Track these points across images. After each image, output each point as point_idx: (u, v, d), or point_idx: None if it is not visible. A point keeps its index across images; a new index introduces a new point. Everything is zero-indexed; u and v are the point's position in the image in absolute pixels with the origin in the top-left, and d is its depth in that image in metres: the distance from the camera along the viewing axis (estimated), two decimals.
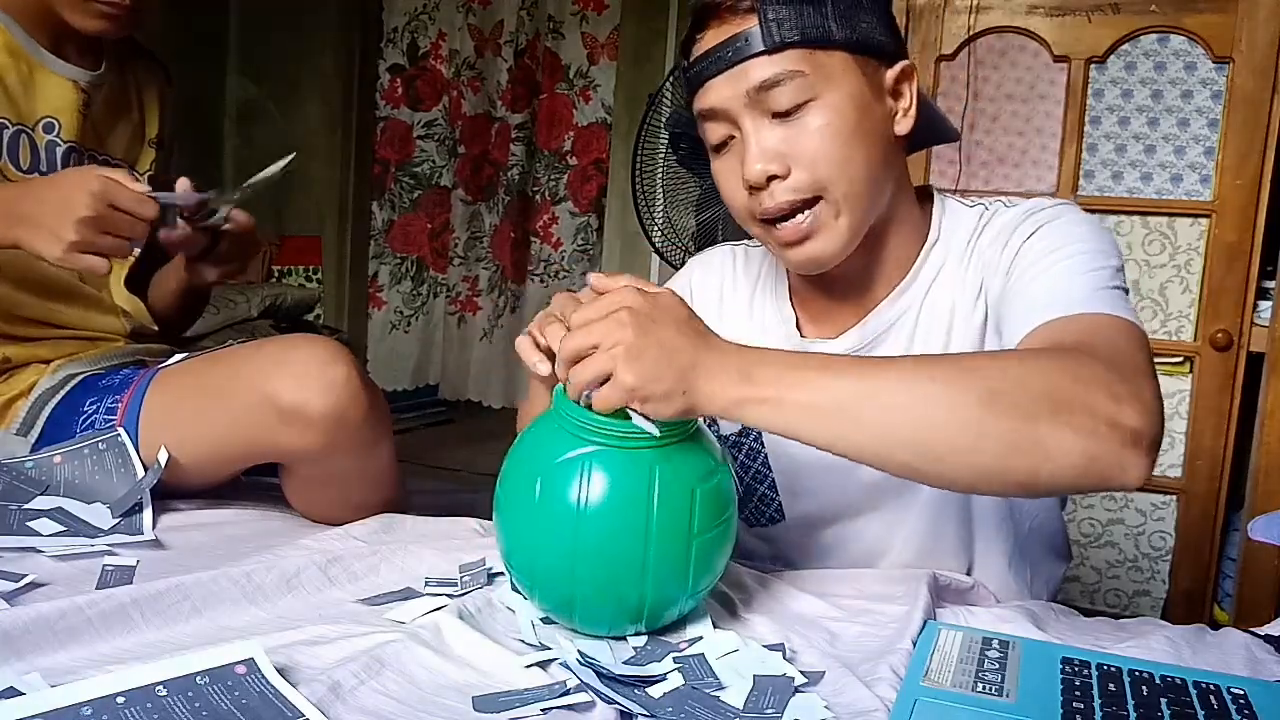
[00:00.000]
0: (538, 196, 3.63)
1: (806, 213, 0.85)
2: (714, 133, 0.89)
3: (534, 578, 0.71)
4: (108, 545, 0.86)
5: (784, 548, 1.03)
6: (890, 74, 0.88)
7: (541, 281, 3.68)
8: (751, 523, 1.02)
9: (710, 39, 0.86)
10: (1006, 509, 0.96)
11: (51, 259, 0.94)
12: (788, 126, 0.84)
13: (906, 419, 0.65)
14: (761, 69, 0.83)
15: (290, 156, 1.09)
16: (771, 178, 0.84)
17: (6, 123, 1.08)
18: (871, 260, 0.92)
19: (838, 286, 0.95)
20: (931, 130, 0.96)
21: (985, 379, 0.65)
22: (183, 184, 1.06)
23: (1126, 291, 0.81)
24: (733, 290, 1.04)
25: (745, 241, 1.07)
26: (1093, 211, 1.84)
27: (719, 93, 0.85)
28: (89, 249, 0.94)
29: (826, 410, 0.66)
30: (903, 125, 0.89)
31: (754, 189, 0.85)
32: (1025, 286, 0.82)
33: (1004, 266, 0.86)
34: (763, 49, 0.83)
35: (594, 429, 0.68)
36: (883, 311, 0.93)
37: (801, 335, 0.97)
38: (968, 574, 0.95)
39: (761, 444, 0.98)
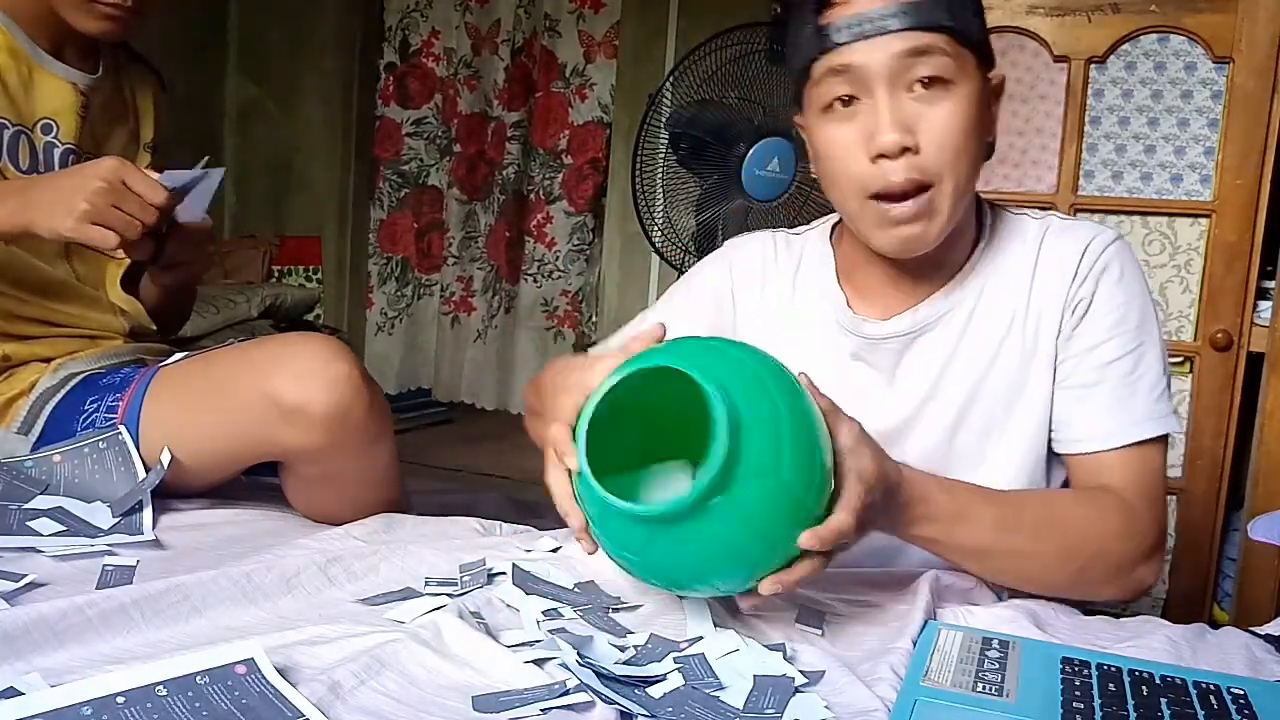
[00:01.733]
0: (532, 196, 3.61)
1: (922, 196, 0.87)
2: (833, 92, 0.88)
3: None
4: (108, 545, 0.86)
5: None
6: (993, 85, 0.92)
7: (535, 282, 3.64)
8: None
9: (863, 2, 0.86)
10: None
11: (63, 230, 0.94)
12: (922, 104, 0.86)
13: (1012, 565, 0.87)
14: (916, 39, 0.85)
15: (206, 159, 1.08)
16: (903, 150, 0.85)
17: (7, 123, 1.08)
18: (934, 253, 0.93)
19: (895, 272, 0.96)
20: None
21: (1066, 538, 0.86)
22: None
23: (1168, 374, 0.93)
24: (775, 271, 1.05)
25: (778, 229, 1.09)
26: (1093, 211, 1.85)
27: (865, 55, 0.85)
28: (99, 220, 0.94)
29: (968, 553, 0.86)
30: (991, 134, 0.92)
31: (882, 157, 0.86)
32: (1093, 388, 0.93)
33: (1069, 320, 0.93)
34: (918, 24, 0.85)
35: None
36: (935, 302, 0.96)
37: (853, 313, 0.99)
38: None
39: None
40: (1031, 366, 0.94)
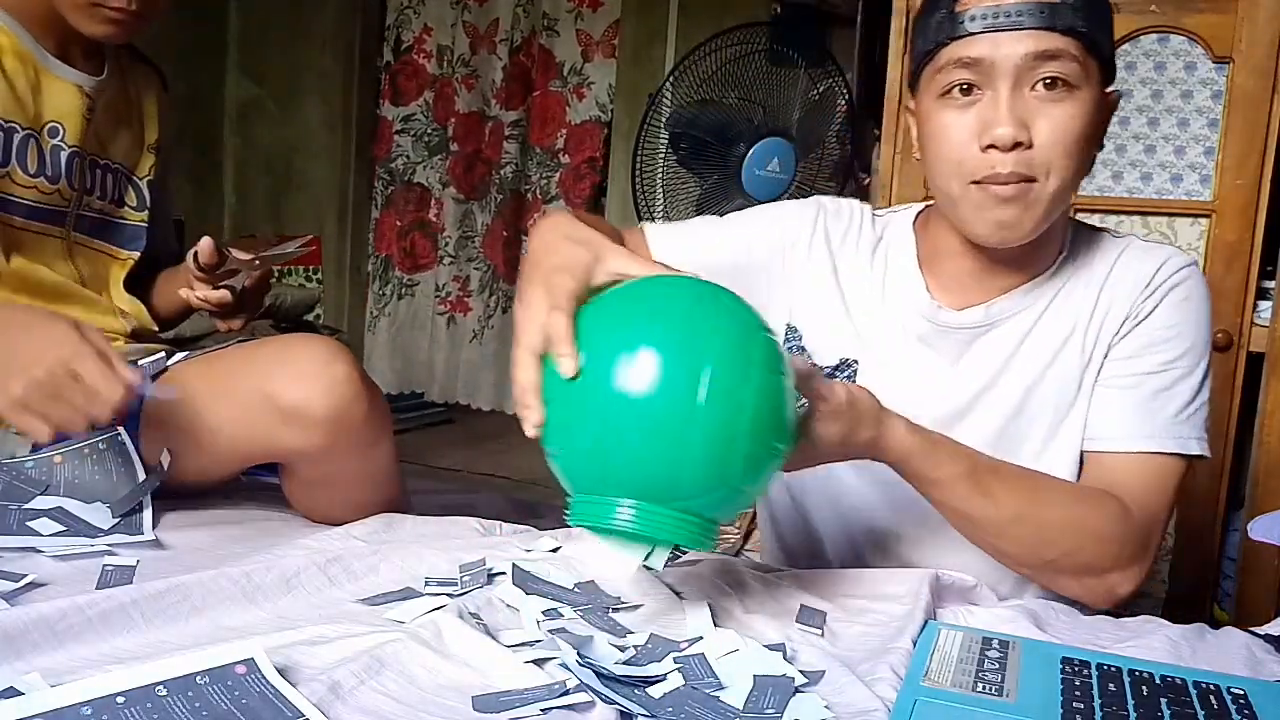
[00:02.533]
0: (529, 194, 3.59)
1: (1025, 184, 0.88)
2: (954, 79, 0.89)
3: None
4: (107, 545, 0.86)
5: (817, 509, 1.06)
6: (1110, 100, 0.92)
7: None
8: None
9: None
10: None
11: None
12: (1041, 104, 0.87)
13: (982, 535, 0.89)
14: (1046, 41, 0.86)
15: (308, 237, 1.15)
16: (1015, 144, 0.86)
17: (17, 126, 1.08)
18: (1019, 251, 0.95)
19: (979, 265, 0.97)
20: None
21: (1042, 524, 0.88)
22: (205, 243, 1.10)
23: (1205, 400, 0.94)
24: (855, 242, 1.06)
25: (870, 207, 1.10)
26: (1093, 211, 1.85)
27: (995, 48, 0.86)
28: (34, 411, 0.83)
29: (941, 504, 0.88)
30: (1099, 148, 0.93)
31: (993, 148, 0.87)
32: (1121, 395, 0.94)
33: (1121, 328, 0.95)
34: (1056, 26, 0.85)
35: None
36: (1012, 299, 0.97)
37: (931, 298, 1.00)
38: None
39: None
40: (1086, 372, 0.96)
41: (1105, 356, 0.96)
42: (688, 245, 1.06)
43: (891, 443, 0.84)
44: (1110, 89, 0.92)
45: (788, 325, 1.05)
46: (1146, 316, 0.95)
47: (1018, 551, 0.89)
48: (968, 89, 0.89)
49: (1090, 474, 0.95)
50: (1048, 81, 0.86)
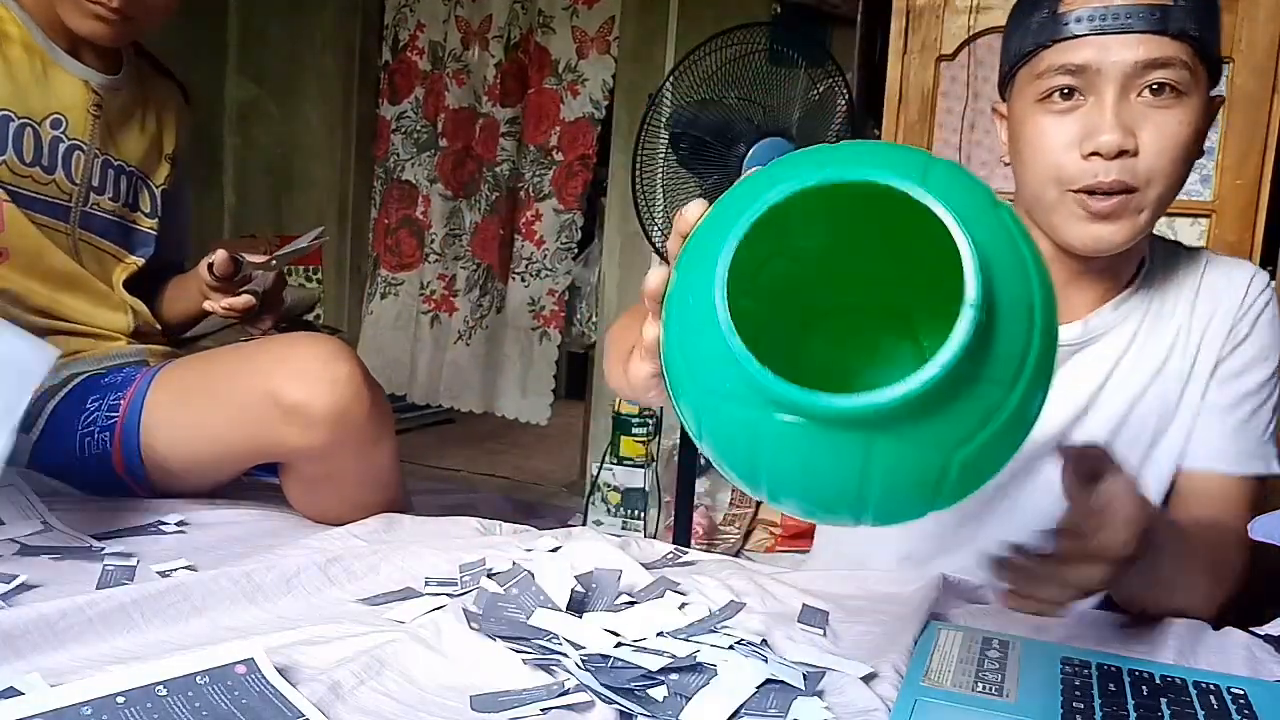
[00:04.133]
0: (522, 193, 3.58)
1: (1124, 196, 0.85)
2: (1056, 84, 0.86)
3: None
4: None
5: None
6: (1214, 104, 0.89)
7: (523, 281, 3.56)
8: None
9: None
10: None
11: None
12: (1148, 110, 0.84)
13: (1165, 598, 0.85)
14: (1156, 47, 0.82)
15: (320, 230, 1.16)
16: (1121, 152, 0.83)
17: (11, 115, 1.09)
18: (1111, 260, 0.93)
19: (1069, 276, 0.95)
20: None
21: (1204, 577, 0.86)
22: (220, 255, 1.12)
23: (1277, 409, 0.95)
24: None
25: None
26: None
27: (1104, 52, 0.83)
28: None
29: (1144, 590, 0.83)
30: (1201, 153, 0.90)
31: (1096, 155, 0.84)
32: (1229, 412, 0.94)
33: (1228, 346, 0.95)
34: (1168, 30, 0.82)
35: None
36: (1106, 313, 0.95)
37: None
38: None
39: None
40: (1187, 389, 0.95)
41: (1211, 375, 0.94)
42: None
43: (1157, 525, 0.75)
44: (1215, 93, 0.89)
45: None
46: (1246, 337, 0.94)
47: (1184, 603, 0.86)
48: (1069, 93, 0.85)
49: (1183, 490, 0.95)
50: (1155, 88, 0.83)
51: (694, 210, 0.57)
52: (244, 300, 1.15)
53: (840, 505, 0.50)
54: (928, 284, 0.48)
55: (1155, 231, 0.95)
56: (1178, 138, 0.84)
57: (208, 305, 1.16)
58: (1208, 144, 1.75)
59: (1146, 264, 0.97)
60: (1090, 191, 0.85)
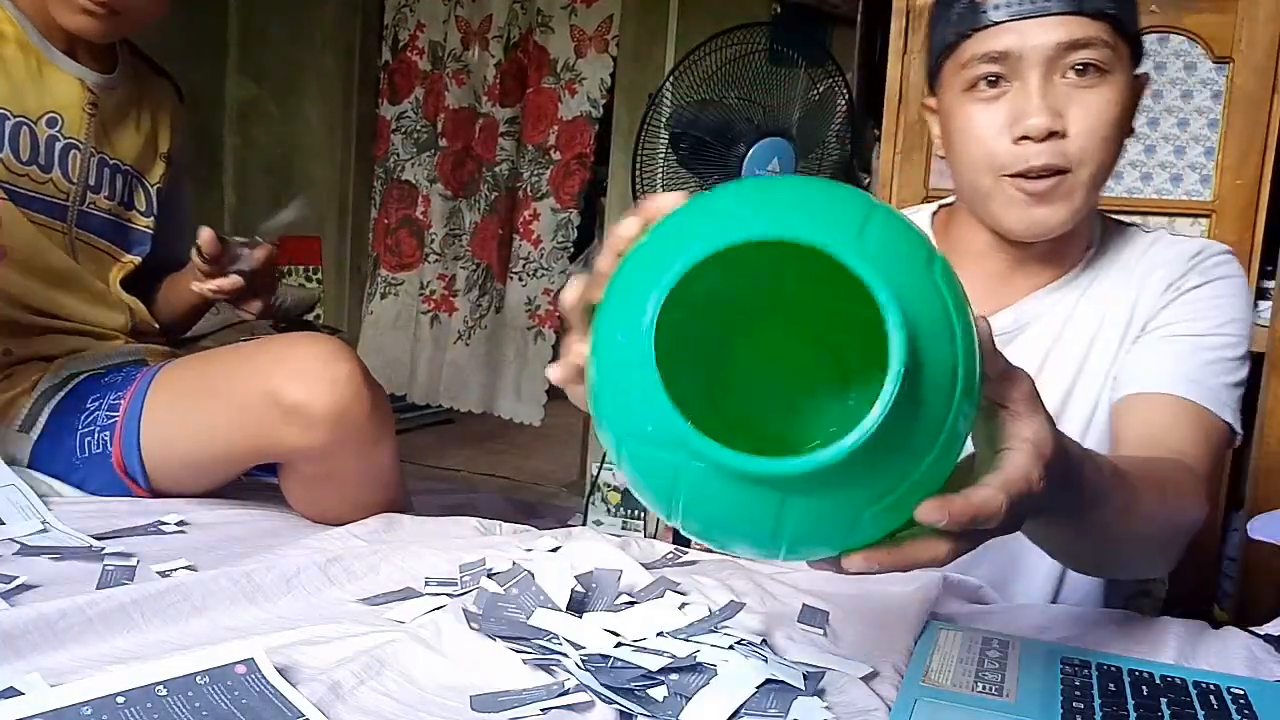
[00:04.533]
0: (520, 192, 3.57)
1: (1058, 177, 0.85)
2: (981, 72, 0.86)
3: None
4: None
5: None
6: (1139, 81, 0.89)
7: (521, 281, 3.56)
8: None
9: None
10: None
11: None
12: (1073, 91, 0.84)
13: (1109, 553, 0.76)
14: (1076, 27, 0.83)
15: (301, 200, 1.14)
16: (1051, 134, 0.84)
17: (8, 113, 1.09)
18: (1048, 246, 0.93)
19: (1005, 265, 0.95)
20: None
21: (1158, 527, 0.75)
22: (205, 233, 1.11)
23: (1242, 384, 0.90)
24: None
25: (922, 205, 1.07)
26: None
27: (1024, 37, 0.83)
28: None
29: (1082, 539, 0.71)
30: (1131, 131, 0.90)
31: (1026, 139, 0.84)
32: (1162, 343, 0.89)
33: (1158, 305, 0.92)
34: (1084, 10, 0.82)
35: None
36: (1038, 298, 0.95)
37: None
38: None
39: None
40: (1118, 359, 0.93)
41: (1142, 330, 0.92)
42: None
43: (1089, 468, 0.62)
44: (1139, 71, 0.90)
45: None
46: (1190, 290, 0.92)
47: (1131, 557, 0.78)
48: (995, 81, 0.86)
49: (1127, 423, 0.88)
50: (1079, 68, 0.84)
51: (628, 228, 0.54)
52: (231, 281, 1.13)
53: (755, 545, 0.51)
54: (859, 321, 0.47)
55: (1124, 220, 0.95)
56: (1105, 115, 0.85)
57: (195, 287, 1.15)
58: (1207, 144, 1.76)
59: (1093, 248, 0.96)
60: (1024, 175, 0.86)
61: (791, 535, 0.49)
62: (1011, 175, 0.86)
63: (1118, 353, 0.93)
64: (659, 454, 0.48)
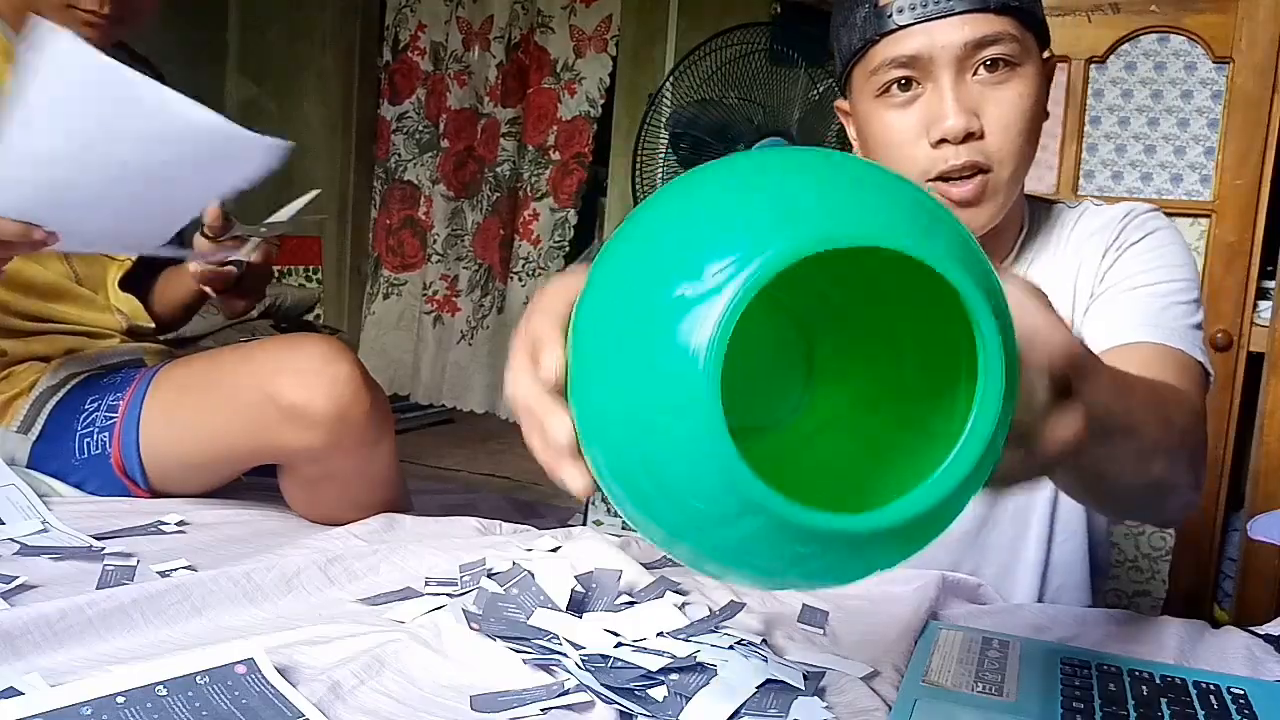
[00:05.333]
0: (521, 193, 3.58)
1: (979, 178, 0.85)
2: (890, 77, 0.85)
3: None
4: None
5: None
6: (1049, 65, 0.89)
7: (521, 281, 3.57)
8: None
9: None
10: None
11: None
12: (986, 88, 0.84)
13: (1120, 465, 0.65)
14: (982, 24, 0.82)
15: (312, 194, 1.10)
16: (968, 135, 0.83)
17: None
18: (984, 244, 0.92)
19: None
20: None
21: (1180, 433, 0.69)
22: (212, 209, 1.07)
23: (1202, 326, 0.88)
24: None
25: None
26: None
27: (930, 39, 0.83)
28: None
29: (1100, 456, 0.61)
30: (1045, 116, 0.89)
31: (945, 142, 0.84)
32: (1119, 297, 0.88)
33: (1101, 268, 0.91)
34: (990, 6, 0.82)
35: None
36: None
37: None
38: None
39: None
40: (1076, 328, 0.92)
41: (1091, 296, 0.91)
42: None
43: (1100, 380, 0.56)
44: (1046, 54, 0.89)
45: None
46: (1130, 245, 0.91)
47: (1143, 473, 0.67)
48: (906, 84, 0.85)
49: None
50: (989, 64, 0.83)
51: (553, 358, 0.44)
52: (225, 271, 1.09)
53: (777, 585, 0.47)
54: (851, 308, 0.43)
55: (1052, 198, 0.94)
56: (1019, 108, 0.84)
57: (191, 267, 1.11)
58: (1207, 144, 1.76)
59: (1024, 231, 0.96)
60: (945, 179, 0.85)
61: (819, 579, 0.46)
62: (933, 179, 0.86)
63: (1072, 326, 0.93)
64: (727, 531, 0.40)
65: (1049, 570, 0.98)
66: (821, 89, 2.37)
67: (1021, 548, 0.97)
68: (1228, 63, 1.73)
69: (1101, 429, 0.55)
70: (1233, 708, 0.63)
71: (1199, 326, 0.89)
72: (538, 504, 2.96)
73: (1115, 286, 0.91)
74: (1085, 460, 0.57)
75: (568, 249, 3.49)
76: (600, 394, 0.41)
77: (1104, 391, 0.55)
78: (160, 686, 0.56)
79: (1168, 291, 0.89)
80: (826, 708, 0.62)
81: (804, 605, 0.80)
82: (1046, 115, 0.90)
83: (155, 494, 1.04)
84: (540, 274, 3.52)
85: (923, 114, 0.85)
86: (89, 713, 0.53)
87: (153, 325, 1.26)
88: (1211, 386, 0.89)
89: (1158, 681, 0.66)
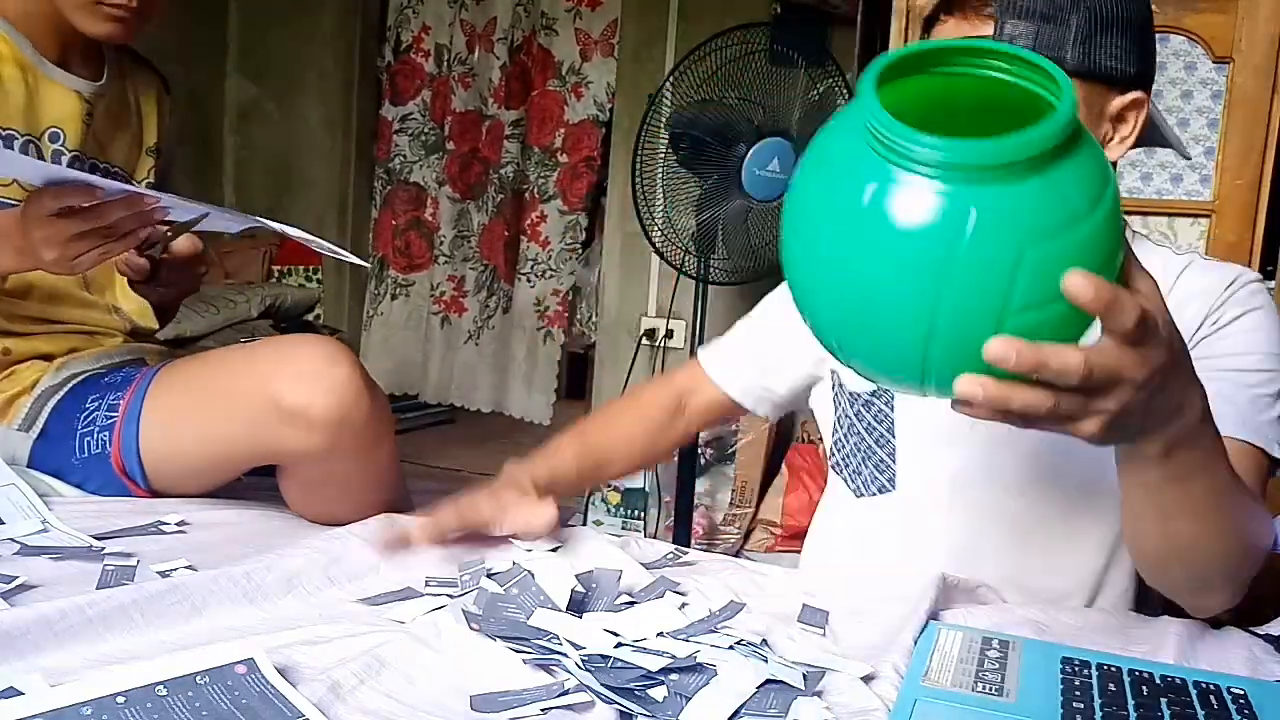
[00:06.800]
0: (527, 194, 3.59)
1: None
2: None
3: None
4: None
5: (883, 526, 1.00)
6: (1117, 102, 0.86)
7: (529, 282, 3.58)
8: (860, 492, 1.01)
9: (947, 33, 0.84)
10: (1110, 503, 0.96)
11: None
12: None
13: (1207, 542, 0.72)
14: None
15: (356, 260, 1.06)
16: None
17: (15, 133, 1.08)
18: None
19: None
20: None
21: (1246, 525, 0.74)
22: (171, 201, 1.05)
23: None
24: None
25: None
26: None
27: None
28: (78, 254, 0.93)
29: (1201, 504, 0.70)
30: (1114, 151, 0.88)
31: None
32: (1210, 375, 0.85)
33: (1198, 336, 0.90)
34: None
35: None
36: None
37: None
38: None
39: (892, 408, 0.97)
40: None
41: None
42: (742, 357, 1.07)
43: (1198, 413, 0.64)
44: (1134, 94, 0.87)
45: (831, 371, 1.04)
46: (1230, 322, 0.90)
47: (1215, 562, 0.75)
48: None
49: None
50: None
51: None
52: (140, 263, 1.04)
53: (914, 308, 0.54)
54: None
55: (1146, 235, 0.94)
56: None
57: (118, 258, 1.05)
58: (1207, 144, 1.76)
59: None
60: None
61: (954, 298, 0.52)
62: None
63: None
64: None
65: (1106, 576, 0.96)
66: (821, 89, 2.37)
67: (1074, 550, 0.95)
68: (1228, 63, 1.74)
69: (1186, 469, 0.65)
70: (1233, 708, 0.63)
71: (1278, 419, 0.89)
72: None
73: (1206, 361, 0.88)
74: (1158, 479, 0.65)
75: (580, 251, 3.51)
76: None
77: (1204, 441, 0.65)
78: (160, 686, 0.56)
79: (1257, 381, 0.88)
80: (826, 708, 0.62)
81: (804, 605, 0.81)
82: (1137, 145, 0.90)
83: (155, 494, 1.04)
84: (550, 275, 3.54)
85: None
86: (89, 713, 0.53)
87: (157, 327, 1.26)
88: None
89: (1158, 681, 0.66)
